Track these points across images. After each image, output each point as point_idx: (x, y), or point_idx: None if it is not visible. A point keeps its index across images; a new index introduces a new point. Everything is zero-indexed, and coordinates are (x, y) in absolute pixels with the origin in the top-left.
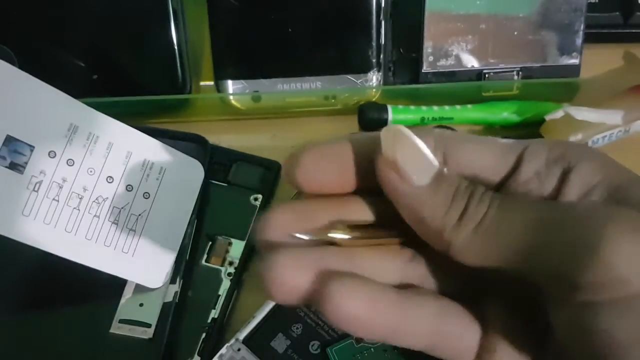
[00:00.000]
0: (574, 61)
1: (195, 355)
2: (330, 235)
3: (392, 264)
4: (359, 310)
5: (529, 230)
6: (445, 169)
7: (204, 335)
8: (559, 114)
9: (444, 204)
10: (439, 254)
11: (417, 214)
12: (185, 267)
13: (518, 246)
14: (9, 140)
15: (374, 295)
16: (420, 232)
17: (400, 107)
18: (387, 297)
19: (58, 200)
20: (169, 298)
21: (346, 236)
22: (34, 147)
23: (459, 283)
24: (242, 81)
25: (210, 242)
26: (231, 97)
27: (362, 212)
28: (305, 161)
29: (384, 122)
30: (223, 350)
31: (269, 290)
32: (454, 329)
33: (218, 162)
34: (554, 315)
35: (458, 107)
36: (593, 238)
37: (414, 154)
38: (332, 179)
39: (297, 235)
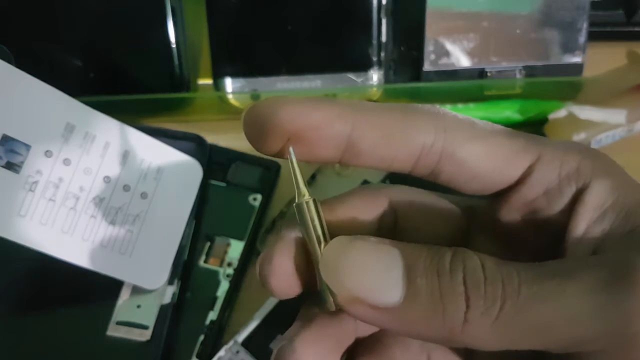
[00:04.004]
0: (577, 59)
1: (194, 358)
2: None
3: None
4: None
5: (570, 320)
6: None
7: (202, 337)
8: (562, 112)
9: (437, 305)
10: None
11: (413, 333)
12: (184, 268)
13: (551, 336)
14: (6, 139)
15: None
16: (428, 341)
17: None
18: None
19: (54, 201)
20: (167, 299)
21: None
22: (30, 146)
23: None
24: (241, 79)
25: (208, 243)
26: (230, 95)
27: None
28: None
29: None
30: (221, 353)
31: None
32: None
33: (217, 162)
34: None
35: (460, 106)
36: None
37: (369, 268)
38: None
39: None
